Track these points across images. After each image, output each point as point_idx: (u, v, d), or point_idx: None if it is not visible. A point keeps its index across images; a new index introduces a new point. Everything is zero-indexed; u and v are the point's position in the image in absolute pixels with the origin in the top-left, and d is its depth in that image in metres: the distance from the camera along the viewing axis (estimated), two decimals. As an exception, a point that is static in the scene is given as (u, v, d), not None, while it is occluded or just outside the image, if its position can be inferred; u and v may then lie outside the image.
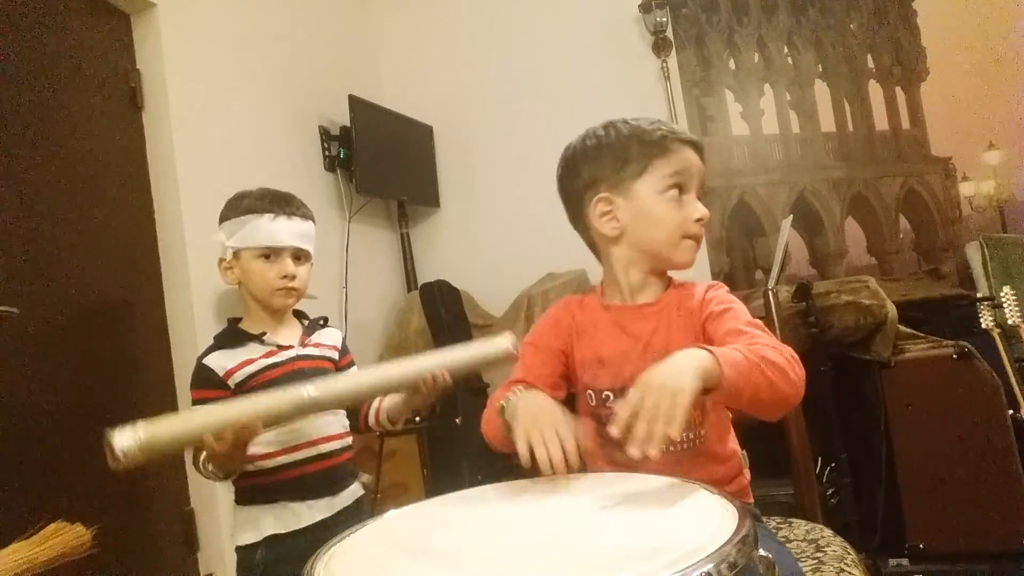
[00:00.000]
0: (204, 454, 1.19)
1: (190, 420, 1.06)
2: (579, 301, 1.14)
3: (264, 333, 1.42)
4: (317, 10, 2.91)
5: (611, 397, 1.04)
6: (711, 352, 0.84)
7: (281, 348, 1.42)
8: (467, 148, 3.30)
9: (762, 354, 0.87)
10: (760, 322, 1.00)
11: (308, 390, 1.03)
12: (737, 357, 0.85)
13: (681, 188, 1.04)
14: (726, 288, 1.08)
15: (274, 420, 1.03)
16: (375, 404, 1.48)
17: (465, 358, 1.18)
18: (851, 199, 2.93)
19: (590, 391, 1.07)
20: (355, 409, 1.50)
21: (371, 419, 1.48)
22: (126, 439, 0.93)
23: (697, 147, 1.07)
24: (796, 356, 0.92)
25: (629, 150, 1.05)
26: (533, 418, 0.90)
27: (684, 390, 0.77)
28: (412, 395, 1.34)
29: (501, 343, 1.03)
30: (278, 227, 1.40)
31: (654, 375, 0.80)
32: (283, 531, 1.32)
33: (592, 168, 1.08)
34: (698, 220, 1.05)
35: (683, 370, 0.80)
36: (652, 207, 1.04)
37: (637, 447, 0.76)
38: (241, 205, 1.42)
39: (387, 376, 1.07)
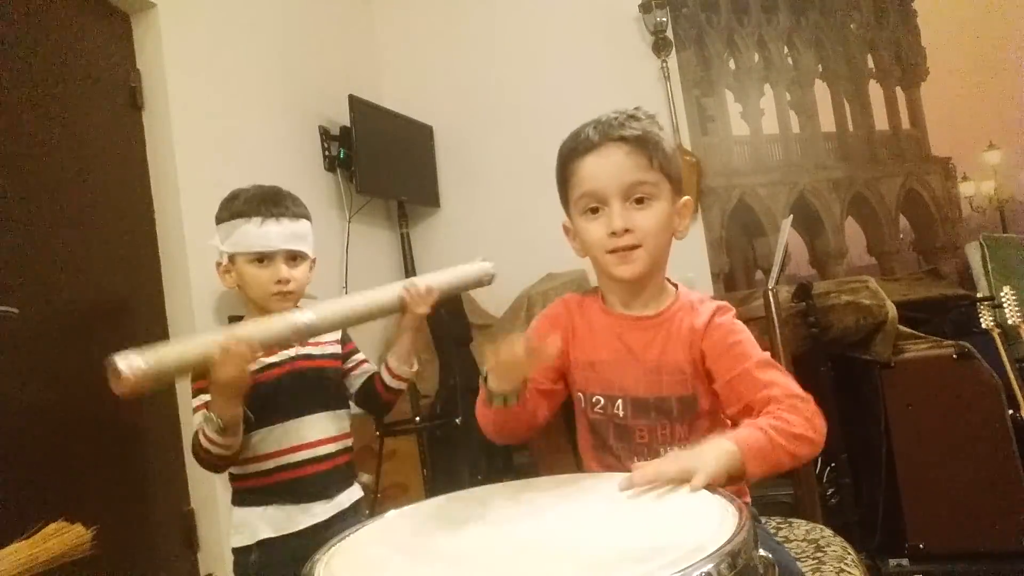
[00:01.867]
0: (203, 418, 1.21)
1: (193, 340, 1.09)
2: (579, 301, 1.13)
3: None
4: (317, 10, 2.91)
5: (601, 402, 1.05)
6: (737, 446, 0.82)
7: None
8: (467, 148, 3.30)
9: (788, 431, 0.86)
10: (770, 357, 0.97)
11: (305, 316, 1.10)
12: (762, 444, 0.84)
13: (597, 204, 1.00)
14: (733, 312, 1.05)
15: (273, 343, 1.10)
16: (381, 366, 1.48)
17: (448, 278, 1.25)
18: (851, 199, 2.93)
19: (580, 393, 1.08)
20: (371, 386, 1.48)
21: (387, 378, 1.45)
22: (133, 358, 0.91)
23: (627, 142, 0.98)
24: (816, 409, 0.90)
25: (557, 175, 1.07)
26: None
27: (698, 472, 0.76)
28: (406, 316, 1.37)
29: (483, 264, 1.11)
30: (267, 231, 1.38)
31: (679, 454, 0.81)
32: (277, 535, 1.31)
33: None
34: (612, 234, 0.98)
35: (706, 457, 0.79)
36: (578, 229, 1.05)
37: (626, 480, 0.79)
38: (232, 207, 1.40)
39: (376, 297, 1.17)
